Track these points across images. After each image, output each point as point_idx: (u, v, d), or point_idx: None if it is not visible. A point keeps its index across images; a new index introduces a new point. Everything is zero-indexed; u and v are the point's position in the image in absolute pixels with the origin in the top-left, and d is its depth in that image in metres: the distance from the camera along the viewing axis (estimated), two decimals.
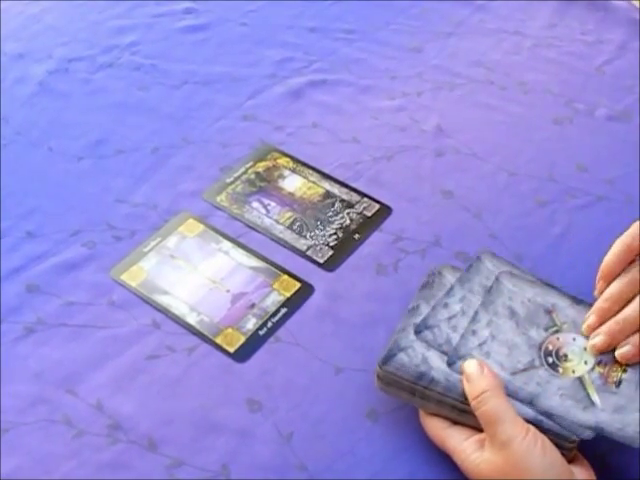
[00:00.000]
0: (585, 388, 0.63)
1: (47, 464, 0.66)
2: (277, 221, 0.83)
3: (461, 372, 0.63)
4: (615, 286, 0.67)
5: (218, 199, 0.85)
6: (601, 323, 0.66)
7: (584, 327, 0.67)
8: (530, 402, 0.62)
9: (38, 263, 0.79)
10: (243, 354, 0.72)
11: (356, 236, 0.82)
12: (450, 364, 0.64)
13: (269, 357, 0.72)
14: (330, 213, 0.84)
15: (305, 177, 0.87)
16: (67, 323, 0.75)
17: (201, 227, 0.83)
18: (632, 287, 0.66)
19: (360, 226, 0.82)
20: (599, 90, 0.96)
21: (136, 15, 1.09)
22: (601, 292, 0.68)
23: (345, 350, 0.73)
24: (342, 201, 0.85)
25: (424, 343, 0.66)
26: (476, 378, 0.61)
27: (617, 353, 0.65)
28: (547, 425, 0.61)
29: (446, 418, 0.64)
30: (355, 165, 0.88)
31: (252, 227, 0.83)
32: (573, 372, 0.64)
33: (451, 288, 0.70)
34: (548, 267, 0.77)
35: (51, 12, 1.10)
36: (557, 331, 0.67)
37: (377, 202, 0.85)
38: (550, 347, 0.66)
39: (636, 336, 0.64)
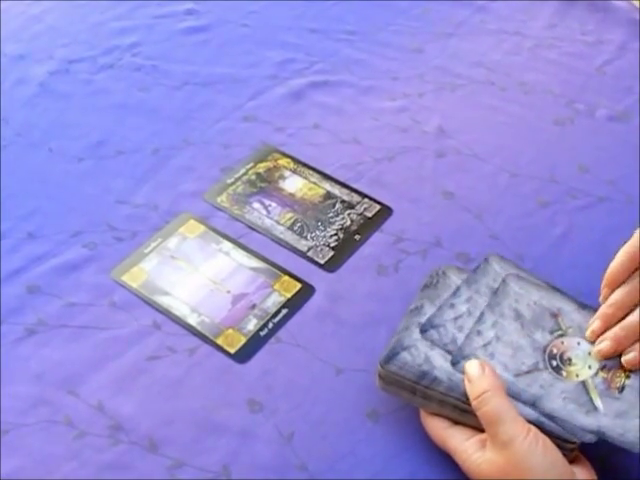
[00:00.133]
0: (588, 392, 0.63)
1: (48, 465, 0.66)
2: (278, 222, 0.83)
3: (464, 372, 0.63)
4: (619, 292, 0.68)
5: (219, 200, 0.85)
6: (605, 328, 0.66)
7: (588, 332, 0.67)
8: (533, 404, 0.62)
9: (39, 264, 0.79)
10: (244, 355, 0.72)
11: (357, 237, 0.82)
12: (454, 364, 0.64)
13: (270, 358, 0.72)
14: (331, 214, 0.84)
15: (306, 178, 0.87)
16: (68, 324, 0.75)
17: (202, 228, 0.83)
18: (636, 294, 0.67)
19: (361, 227, 0.82)
20: (599, 90, 0.96)
21: (137, 16, 1.09)
22: (606, 298, 0.68)
23: (346, 351, 0.73)
24: (343, 202, 0.85)
25: (429, 342, 0.66)
26: (477, 378, 0.61)
27: (623, 359, 0.65)
28: (548, 427, 0.61)
29: (447, 418, 0.64)
30: (356, 166, 0.88)
31: (253, 228, 0.83)
32: (577, 376, 0.64)
33: (458, 289, 0.70)
34: (549, 268, 0.77)
35: (52, 13, 1.10)
36: (562, 335, 0.67)
37: (378, 203, 0.85)
38: (555, 350, 0.66)
39: None
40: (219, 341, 0.73)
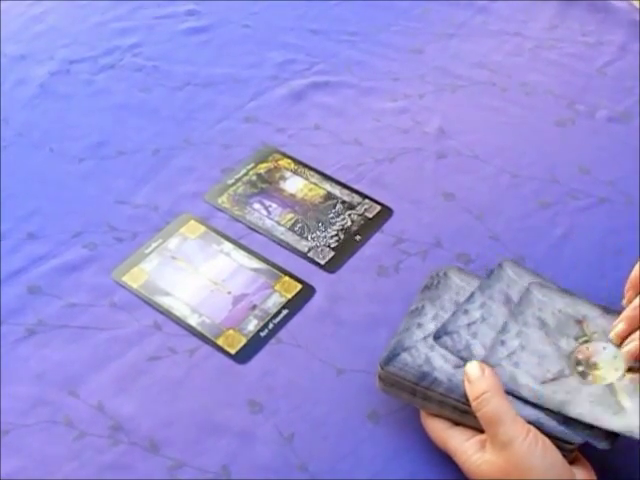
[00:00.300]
0: (615, 394, 0.63)
1: (48, 465, 0.66)
2: (278, 222, 0.83)
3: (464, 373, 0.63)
4: None
5: (219, 200, 0.85)
6: (630, 331, 0.66)
7: (612, 334, 0.67)
8: (559, 410, 0.61)
9: (39, 264, 0.79)
10: (244, 355, 0.72)
11: (357, 237, 0.82)
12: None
13: (270, 358, 0.72)
14: (331, 215, 0.84)
15: (306, 178, 0.87)
16: (68, 324, 0.75)
17: (202, 228, 0.83)
18: None
19: (361, 228, 0.82)
20: (600, 91, 0.96)
21: (138, 17, 1.09)
22: (630, 301, 0.68)
23: (346, 351, 0.73)
24: (343, 202, 0.85)
25: (443, 349, 0.65)
26: (477, 379, 0.61)
27: None
28: (548, 428, 0.61)
29: (447, 419, 0.64)
30: (357, 167, 0.88)
31: (253, 228, 0.83)
32: (603, 380, 0.64)
33: (471, 295, 0.70)
34: (550, 269, 0.76)
35: (53, 13, 1.10)
36: (587, 341, 0.67)
37: (378, 204, 0.85)
38: (580, 356, 0.66)
39: None
40: (220, 342, 0.73)
